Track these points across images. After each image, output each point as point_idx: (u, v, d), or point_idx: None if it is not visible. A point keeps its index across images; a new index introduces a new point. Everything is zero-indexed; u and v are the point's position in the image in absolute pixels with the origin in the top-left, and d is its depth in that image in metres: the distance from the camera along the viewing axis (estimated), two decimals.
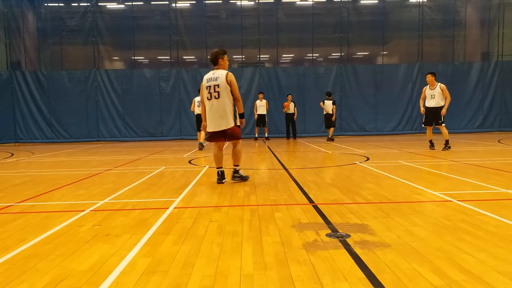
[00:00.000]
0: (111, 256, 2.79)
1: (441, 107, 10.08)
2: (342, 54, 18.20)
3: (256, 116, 15.96)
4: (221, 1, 18.82)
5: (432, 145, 10.44)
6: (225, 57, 5.82)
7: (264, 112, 15.74)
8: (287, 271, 2.44)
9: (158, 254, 2.83)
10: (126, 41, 17.66)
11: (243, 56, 18.60)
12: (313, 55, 18.73)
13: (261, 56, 18.36)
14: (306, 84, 17.52)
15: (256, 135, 16.04)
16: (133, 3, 17.84)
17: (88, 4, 17.44)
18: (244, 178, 5.97)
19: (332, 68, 17.75)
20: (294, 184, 5.62)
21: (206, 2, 18.04)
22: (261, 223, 3.58)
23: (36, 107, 17.25)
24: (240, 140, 5.95)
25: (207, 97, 5.65)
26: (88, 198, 4.97)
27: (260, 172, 6.97)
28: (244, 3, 18.41)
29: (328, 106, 14.49)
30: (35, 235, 3.34)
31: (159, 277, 2.40)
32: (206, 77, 5.72)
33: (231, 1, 18.63)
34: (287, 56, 20.26)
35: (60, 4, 17.89)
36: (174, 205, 4.44)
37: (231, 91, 5.65)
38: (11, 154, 12.05)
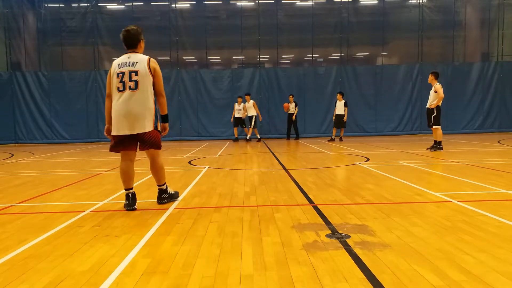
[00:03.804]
0: (111, 257, 2.79)
1: (432, 109, 9.92)
2: (342, 54, 18.22)
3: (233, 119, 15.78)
4: (221, 2, 18.84)
5: (433, 146, 10.26)
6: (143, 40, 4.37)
7: (252, 114, 15.36)
8: (287, 272, 2.44)
9: (158, 254, 2.83)
10: None
11: (243, 57, 18.61)
12: (313, 55, 18.74)
13: (261, 56, 18.37)
14: (306, 85, 17.52)
15: (248, 136, 15.86)
16: (133, 4, 17.86)
17: (88, 4, 17.45)
18: (173, 196, 4.63)
19: (332, 69, 17.76)
20: (294, 184, 5.62)
21: (206, 2, 18.05)
22: (261, 223, 3.58)
23: (36, 107, 17.26)
24: (160, 151, 4.43)
25: (118, 88, 4.09)
26: (88, 198, 4.97)
27: (260, 173, 6.97)
28: (244, 3, 18.42)
29: (339, 107, 14.61)
30: (35, 236, 3.34)
31: (159, 278, 2.40)
32: (117, 61, 4.20)
33: (231, 2, 18.64)
34: (287, 57, 20.27)
35: (60, 5, 17.90)
36: (174, 205, 4.44)
37: (154, 84, 4.21)
38: (11, 155, 12.05)
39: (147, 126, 4.14)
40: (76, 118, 17.15)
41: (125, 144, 4.18)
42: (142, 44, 4.32)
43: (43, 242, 3.17)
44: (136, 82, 4.08)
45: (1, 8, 17.25)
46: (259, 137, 15.87)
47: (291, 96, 15.93)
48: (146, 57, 4.18)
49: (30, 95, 17.21)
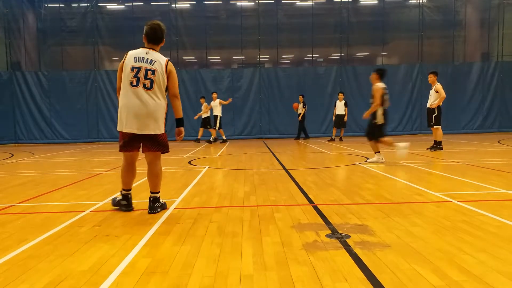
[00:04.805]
0: (111, 257, 2.79)
1: (433, 108, 9.88)
2: (342, 54, 18.22)
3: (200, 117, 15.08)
4: (221, 2, 18.84)
5: (433, 146, 10.23)
6: None
7: (217, 113, 14.62)
8: (287, 272, 2.45)
9: (158, 254, 2.83)
10: (126, 41, 17.63)
11: (243, 57, 18.62)
12: (313, 55, 18.75)
13: (261, 56, 18.37)
14: (306, 85, 17.52)
15: (198, 136, 15.30)
16: (133, 4, 17.86)
17: (88, 4, 17.46)
18: (164, 206, 4.29)
19: (332, 69, 17.76)
20: (294, 184, 5.62)
21: (206, 2, 18.05)
22: (261, 223, 3.58)
23: (36, 107, 17.26)
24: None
25: (131, 83, 3.89)
26: (88, 198, 4.97)
27: (260, 173, 6.97)
28: (244, 3, 18.43)
29: (339, 107, 14.62)
30: (35, 236, 3.34)
31: (159, 278, 2.40)
32: (133, 53, 4.00)
33: (231, 2, 18.65)
34: (287, 57, 20.28)
35: (60, 5, 17.90)
36: (174, 205, 4.45)
37: (167, 86, 4.04)
38: (11, 155, 12.05)
39: (161, 127, 4.00)
40: (76, 118, 17.15)
41: (133, 143, 3.99)
42: (162, 44, 4.19)
43: (43, 242, 3.17)
44: (151, 81, 3.91)
45: (1, 8, 17.24)
46: (224, 138, 15.02)
47: (300, 96, 15.87)
48: (165, 58, 4.04)
49: (30, 95, 17.21)
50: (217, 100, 14.73)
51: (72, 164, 9.30)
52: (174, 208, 4.30)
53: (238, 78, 17.62)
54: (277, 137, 17.09)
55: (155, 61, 3.96)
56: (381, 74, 7.96)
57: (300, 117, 15.64)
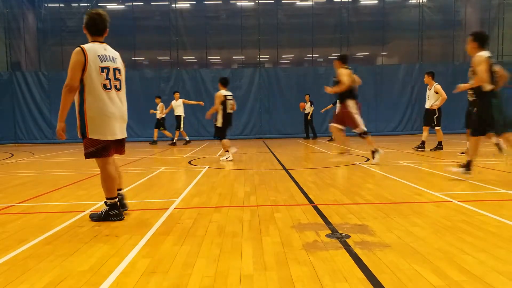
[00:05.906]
0: (111, 257, 2.79)
1: (434, 109, 9.97)
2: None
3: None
4: (221, 2, 18.86)
5: (419, 146, 10.26)
6: None
7: (181, 113, 14.08)
8: (287, 272, 2.45)
9: (158, 254, 2.83)
10: (127, 41, 17.66)
11: (243, 57, 18.64)
12: (313, 55, 18.76)
13: (261, 56, 18.38)
14: (306, 85, 17.53)
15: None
16: (133, 4, 17.87)
17: (88, 4, 17.46)
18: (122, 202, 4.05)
19: (332, 69, 17.73)
20: (294, 184, 5.62)
21: (206, 2, 18.07)
22: (261, 223, 3.58)
23: (36, 107, 17.27)
24: None
25: (105, 85, 3.58)
26: (88, 198, 4.97)
27: (260, 173, 6.97)
28: (244, 3, 18.44)
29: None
30: (35, 236, 3.34)
31: (159, 278, 2.40)
32: (92, 51, 3.55)
33: (231, 2, 18.67)
34: (287, 57, 20.30)
35: (60, 5, 17.94)
36: (174, 205, 4.44)
37: None
38: (11, 155, 12.05)
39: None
40: (76, 118, 17.12)
41: (110, 148, 3.72)
42: (106, 34, 3.77)
43: (43, 242, 3.17)
44: (120, 81, 3.72)
45: (1, 8, 17.25)
46: (187, 139, 14.50)
47: (307, 96, 15.91)
48: (118, 54, 3.83)
49: (30, 95, 17.21)
50: (180, 100, 14.19)
51: (72, 164, 9.29)
52: (174, 208, 4.30)
53: (238, 78, 17.62)
54: (277, 137, 17.09)
55: (116, 58, 3.74)
56: (223, 83, 9.02)
57: (309, 116, 15.74)
